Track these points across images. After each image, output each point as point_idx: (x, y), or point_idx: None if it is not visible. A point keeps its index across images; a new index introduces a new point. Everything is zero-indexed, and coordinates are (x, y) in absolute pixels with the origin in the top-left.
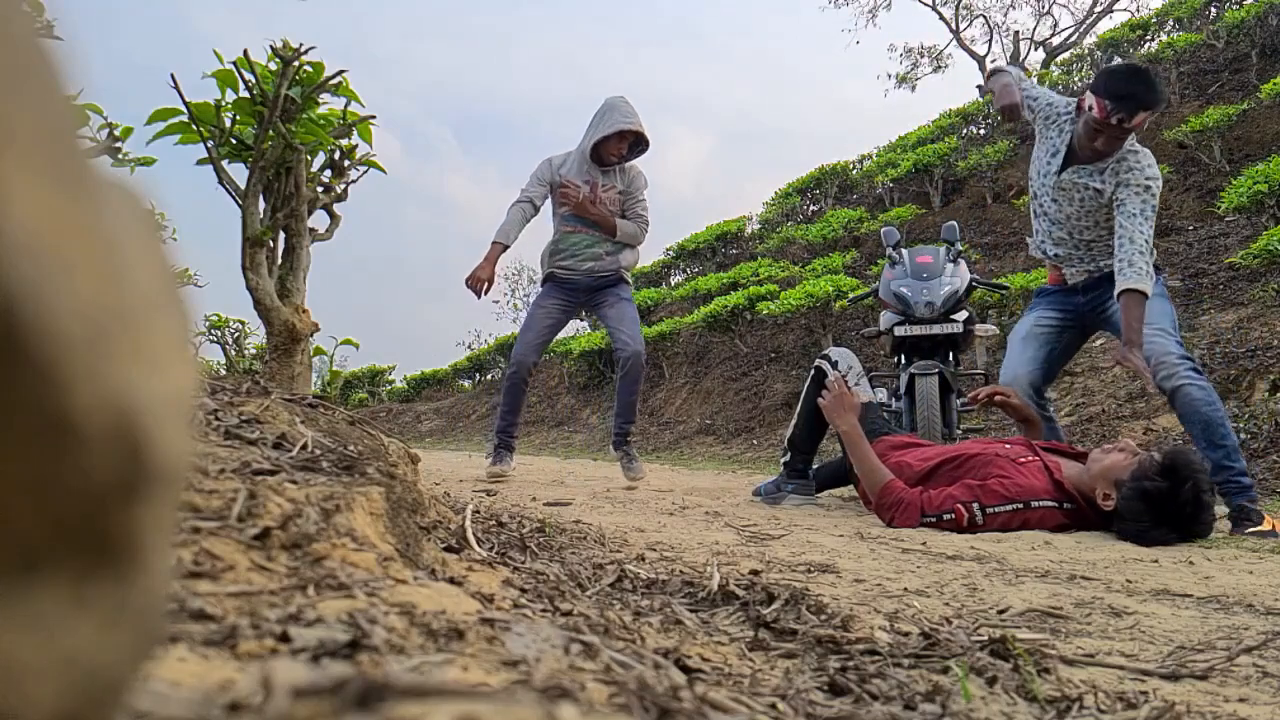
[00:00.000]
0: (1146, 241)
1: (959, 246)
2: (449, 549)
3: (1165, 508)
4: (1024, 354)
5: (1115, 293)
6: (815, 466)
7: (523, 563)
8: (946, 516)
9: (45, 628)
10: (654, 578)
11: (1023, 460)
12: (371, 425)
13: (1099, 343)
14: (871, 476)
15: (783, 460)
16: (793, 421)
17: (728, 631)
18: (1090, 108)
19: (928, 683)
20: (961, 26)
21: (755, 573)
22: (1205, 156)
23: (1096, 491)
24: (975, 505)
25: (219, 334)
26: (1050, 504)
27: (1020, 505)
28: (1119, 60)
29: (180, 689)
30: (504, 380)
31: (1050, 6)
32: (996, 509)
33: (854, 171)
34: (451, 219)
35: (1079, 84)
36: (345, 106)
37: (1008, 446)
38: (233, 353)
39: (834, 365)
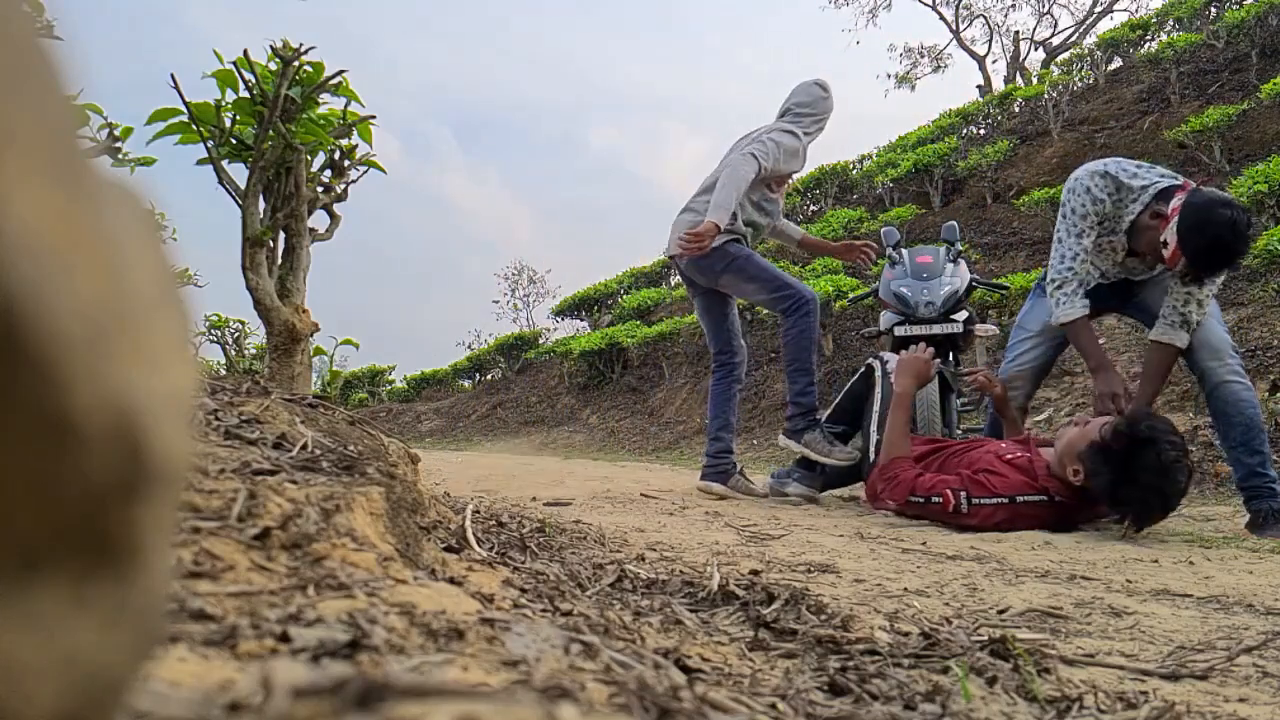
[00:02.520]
0: (1199, 306)
1: (959, 246)
2: (449, 549)
3: (1128, 471)
4: (1038, 345)
5: (1152, 338)
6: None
7: (523, 563)
8: (935, 500)
9: (45, 628)
10: (654, 578)
11: (1009, 457)
12: (371, 425)
13: (1099, 342)
14: (892, 444)
15: None
16: (826, 413)
17: (728, 631)
18: (1165, 244)
19: (928, 683)
20: (961, 26)
21: (755, 573)
22: (1205, 156)
23: (1066, 470)
24: (963, 494)
25: (219, 334)
26: (1037, 498)
27: (1005, 500)
28: (1200, 199)
29: (180, 689)
30: (808, 322)
31: (1050, 6)
32: (982, 501)
33: (854, 171)
34: (451, 219)
35: (1079, 84)
36: (345, 106)
37: (1003, 445)
38: (233, 353)
39: (884, 364)
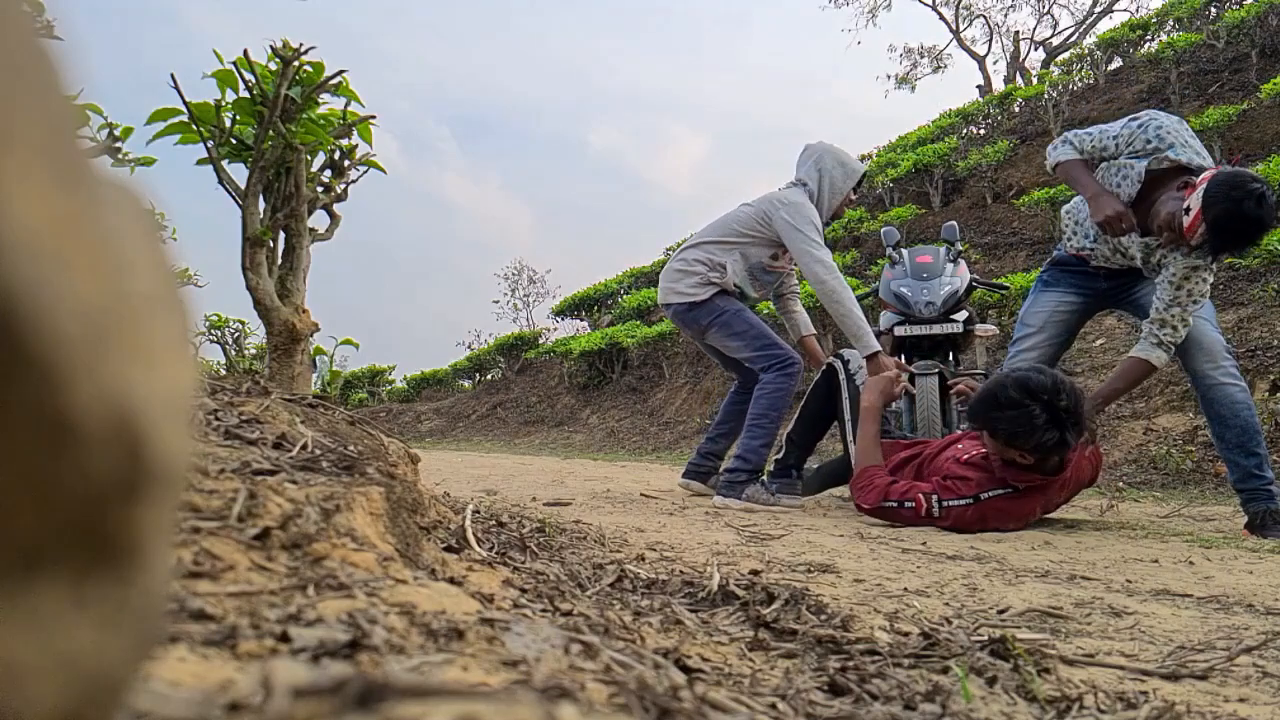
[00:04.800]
0: (1180, 312)
1: (959, 246)
2: (449, 549)
3: (1007, 425)
4: (1042, 340)
5: (1131, 354)
6: (817, 465)
7: (523, 563)
8: (908, 505)
9: (45, 628)
10: (654, 578)
11: (965, 458)
12: (371, 425)
13: (1098, 343)
14: (864, 454)
15: (775, 456)
16: (794, 417)
17: (728, 631)
18: (1188, 210)
19: (928, 683)
20: (961, 27)
21: (755, 573)
22: None
23: (1014, 457)
24: (934, 498)
25: (219, 334)
26: (1000, 491)
27: (970, 500)
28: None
29: (180, 689)
30: (787, 384)
31: (1050, 6)
32: (951, 504)
33: None
34: (451, 219)
35: (1079, 84)
36: (345, 106)
37: (960, 445)
38: (233, 353)
39: (845, 364)
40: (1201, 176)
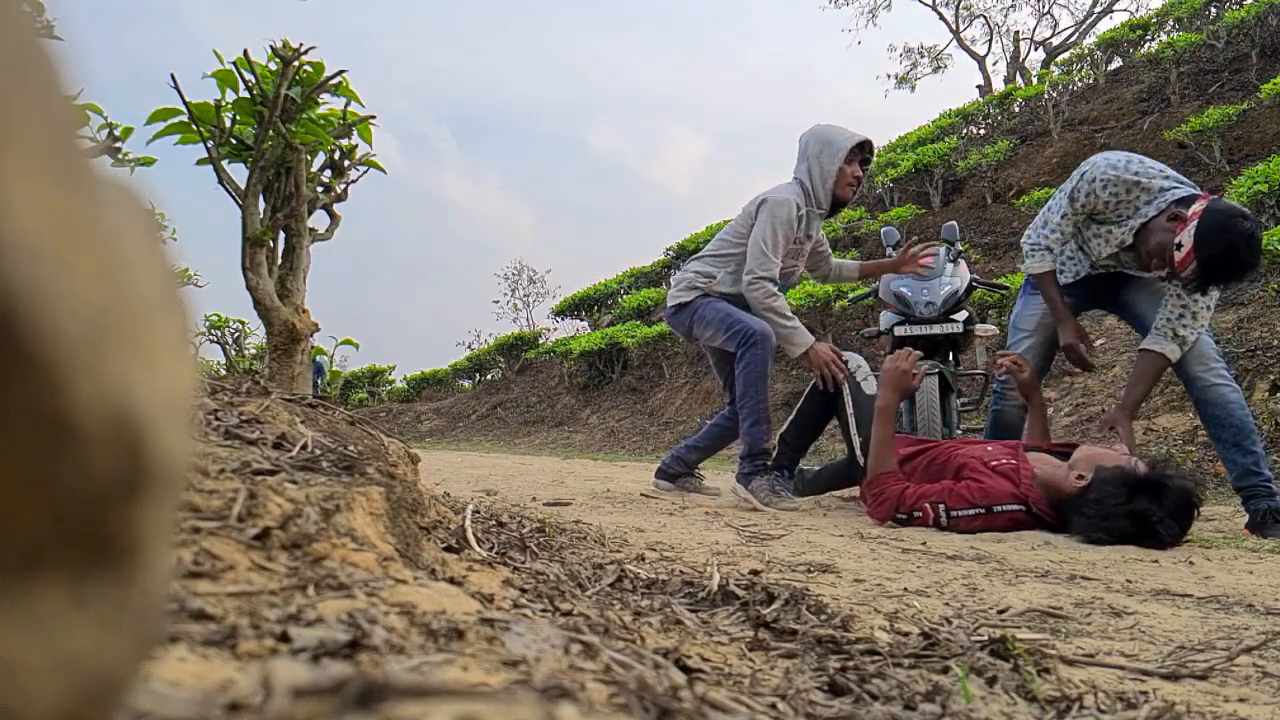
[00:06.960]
0: (1189, 324)
1: (959, 246)
2: (449, 549)
3: (1143, 496)
4: (1037, 343)
5: (1143, 347)
6: (818, 468)
7: (523, 563)
8: (916, 515)
9: (45, 628)
10: (654, 578)
11: (994, 463)
12: (371, 425)
13: (1099, 343)
14: (878, 459)
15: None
16: (790, 418)
17: (728, 631)
18: (1180, 246)
19: (928, 683)
20: (961, 27)
21: (755, 573)
22: (1205, 156)
23: (1070, 475)
24: (942, 507)
25: (219, 334)
26: (1014, 507)
27: (982, 510)
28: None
29: (180, 689)
30: (755, 354)
31: (1050, 6)
32: (960, 512)
33: None
34: (451, 219)
35: (1079, 84)
36: (345, 106)
37: (990, 449)
38: (233, 353)
39: (845, 364)
40: (1192, 211)
